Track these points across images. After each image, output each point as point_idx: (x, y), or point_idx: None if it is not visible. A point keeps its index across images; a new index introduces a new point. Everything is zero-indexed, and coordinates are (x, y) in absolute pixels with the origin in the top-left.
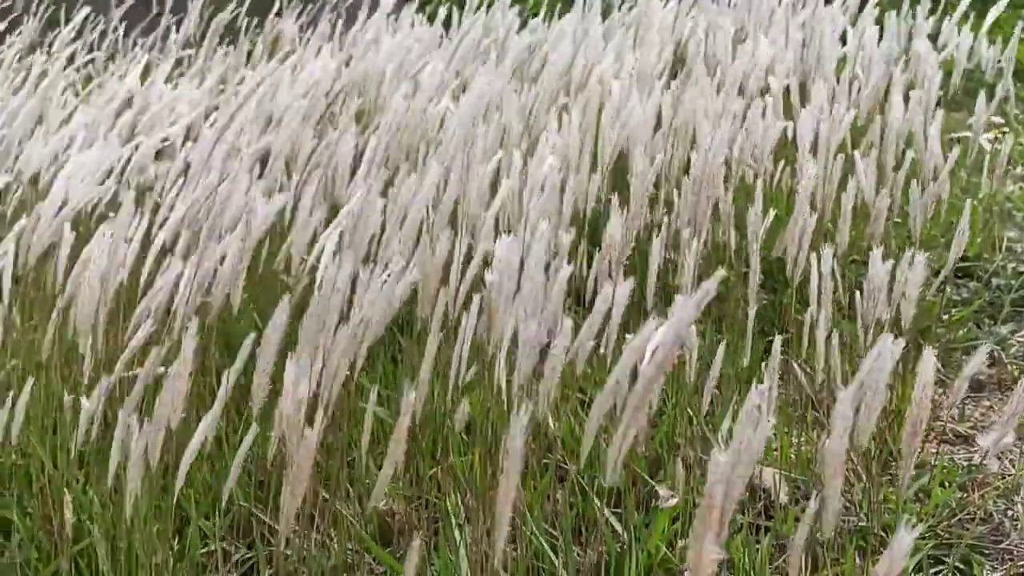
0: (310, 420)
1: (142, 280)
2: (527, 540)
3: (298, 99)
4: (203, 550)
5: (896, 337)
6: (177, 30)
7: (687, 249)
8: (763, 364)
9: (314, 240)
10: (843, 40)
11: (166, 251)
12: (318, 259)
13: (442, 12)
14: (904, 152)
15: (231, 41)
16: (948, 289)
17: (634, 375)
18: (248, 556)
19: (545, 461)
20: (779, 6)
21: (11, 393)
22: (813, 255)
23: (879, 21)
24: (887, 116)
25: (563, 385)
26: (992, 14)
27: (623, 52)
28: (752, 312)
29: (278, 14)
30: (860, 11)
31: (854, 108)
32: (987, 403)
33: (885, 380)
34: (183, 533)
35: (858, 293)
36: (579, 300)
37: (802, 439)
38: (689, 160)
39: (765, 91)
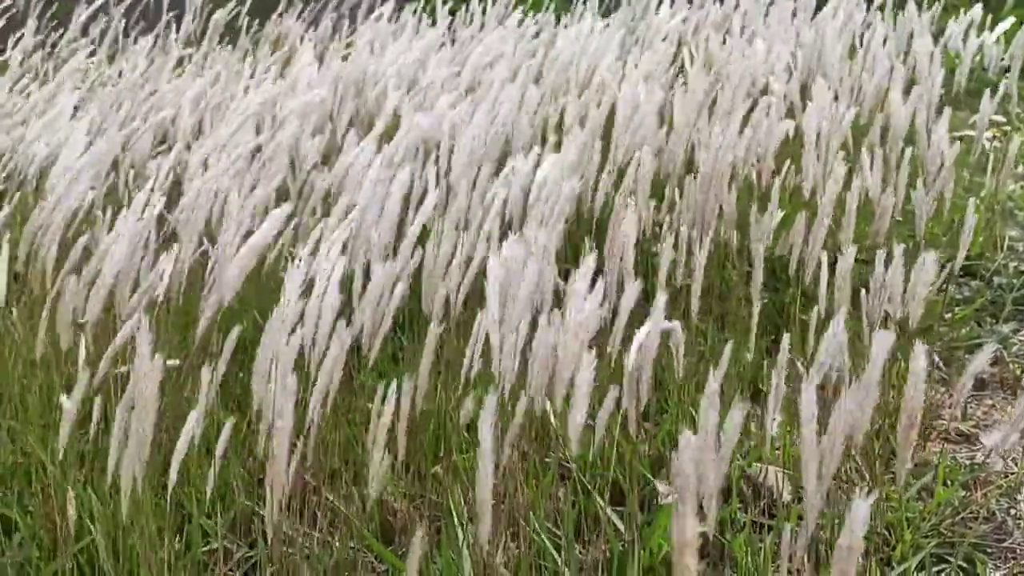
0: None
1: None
2: (529, 538)
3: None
4: (204, 548)
5: (899, 336)
6: (177, 29)
7: (698, 248)
8: (765, 363)
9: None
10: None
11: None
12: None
13: (443, 12)
14: (904, 151)
15: (231, 40)
16: (950, 288)
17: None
18: (249, 555)
19: (547, 460)
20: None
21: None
22: (818, 254)
23: (884, 20)
24: (889, 114)
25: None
26: (1002, 26)
27: (627, 52)
28: (756, 309)
29: (280, 14)
30: (867, 10)
31: (855, 107)
32: (989, 402)
33: (878, 375)
34: (184, 531)
35: (863, 291)
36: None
37: None
38: (692, 160)
39: (766, 91)
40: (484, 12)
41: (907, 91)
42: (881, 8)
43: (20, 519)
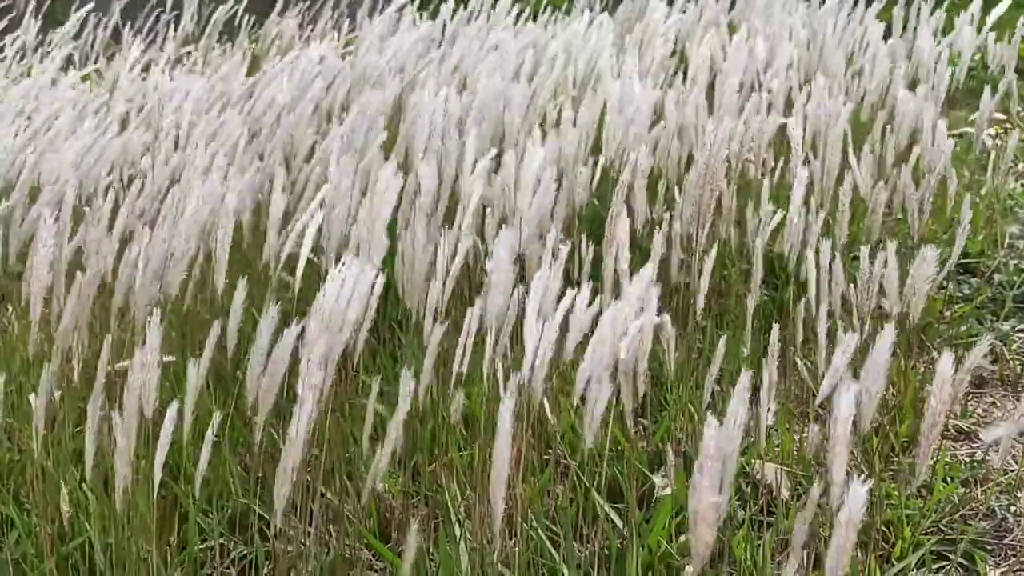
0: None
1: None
2: (527, 535)
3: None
4: (201, 546)
5: (899, 332)
6: (176, 28)
7: (697, 245)
8: (764, 360)
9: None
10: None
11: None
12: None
13: (445, 11)
14: (909, 147)
15: (230, 38)
16: (950, 285)
17: None
18: (246, 552)
19: (545, 457)
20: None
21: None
22: (813, 251)
23: (885, 18)
24: (889, 111)
25: (563, 380)
26: (996, 11)
27: (624, 49)
28: (751, 304)
29: (280, 13)
30: (867, 8)
31: (854, 103)
32: (989, 399)
33: (883, 371)
34: (181, 529)
35: (852, 287)
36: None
37: (803, 434)
38: (691, 156)
39: (765, 87)
40: (486, 11)
41: (911, 89)
42: (885, 6)
43: (16, 516)
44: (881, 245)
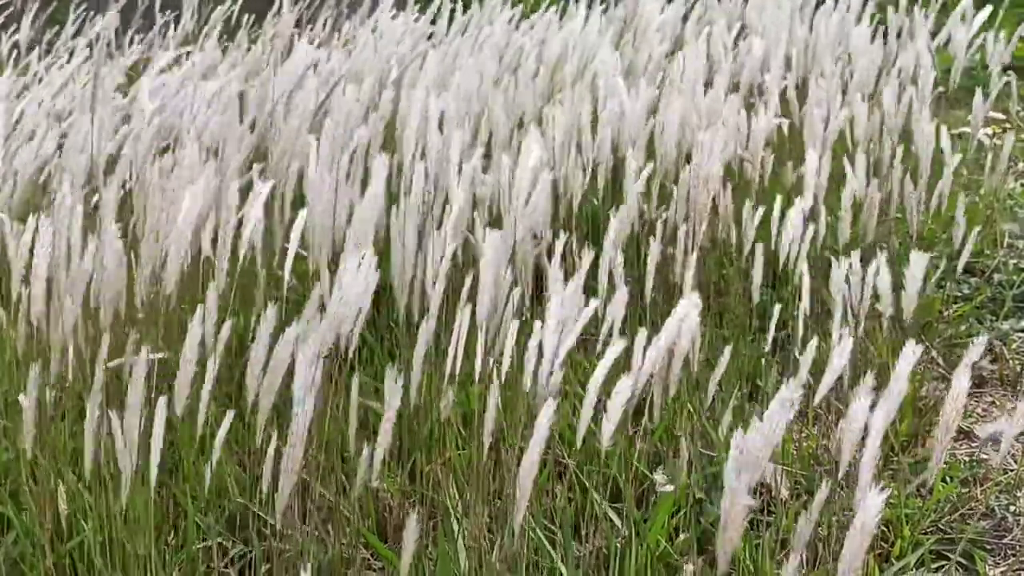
0: None
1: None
2: (526, 535)
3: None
4: (199, 545)
5: (894, 331)
6: (175, 27)
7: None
8: (763, 360)
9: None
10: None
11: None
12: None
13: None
14: (903, 148)
15: (230, 38)
16: (949, 285)
17: None
18: (244, 552)
19: (544, 456)
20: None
21: None
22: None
23: (879, 18)
24: (882, 112)
25: (562, 381)
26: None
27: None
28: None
29: (278, 12)
30: (863, 9)
31: (848, 106)
32: (989, 399)
33: (905, 380)
34: (179, 528)
35: (846, 287)
36: None
37: (803, 435)
38: (689, 157)
39: (761, 89)
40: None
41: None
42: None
43: (14, 516)
44: (880, 246)
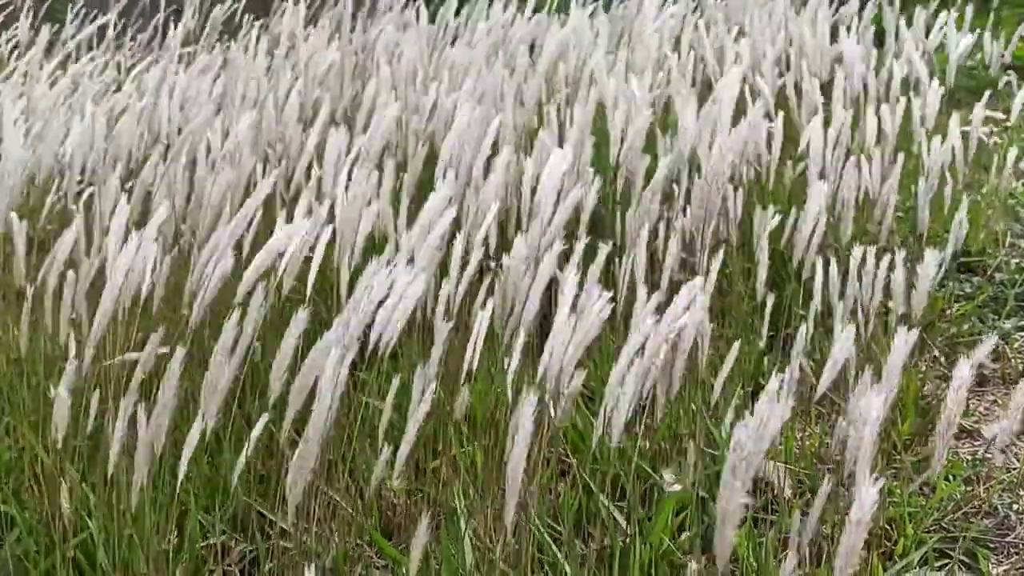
0: None
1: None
2: (530, 533)
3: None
4: (203, 543)
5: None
6: (175, 26)
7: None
8: (765, 359)
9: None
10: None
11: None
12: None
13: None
14: (906, 148)
15: (231, 38)
16: (951, 283)
17: None
18: (249, 550)
19: (547, 455)
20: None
21: None
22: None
23: (877, 20)
24: (883, 113)
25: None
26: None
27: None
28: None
29: (280, 12)
30: (861, 10)
31: (850, 106)
32: (991, 397)
33: (899, 372)
34: (183, 527)
35: (857, 285)
36: None
37: (806, 433)
38: (694, 159)
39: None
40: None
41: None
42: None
43: (17, 513)
44: (886, 245)
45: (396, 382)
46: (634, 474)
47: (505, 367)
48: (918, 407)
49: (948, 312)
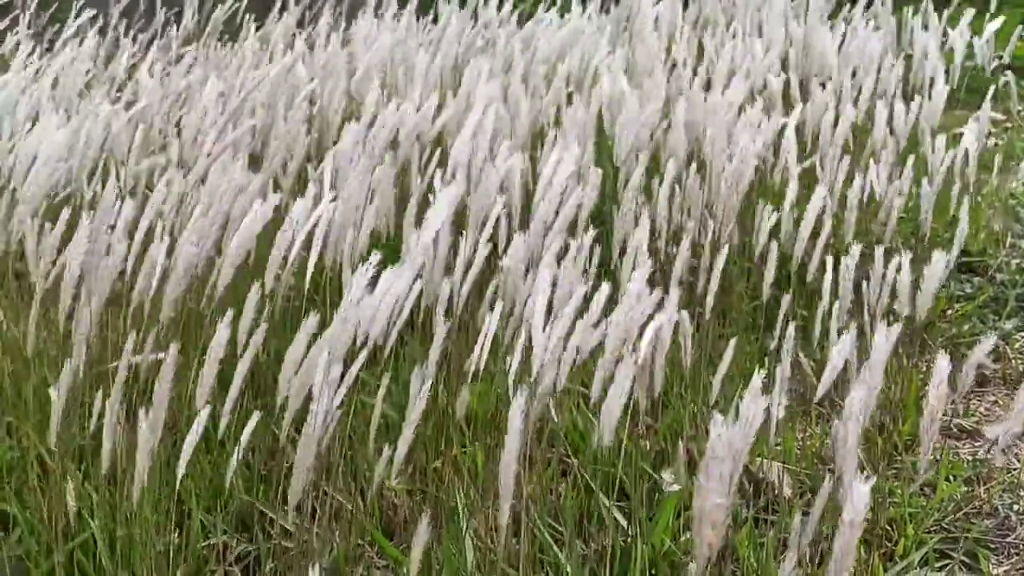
0: None
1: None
2: (530, 533)
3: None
4: (204, 543)
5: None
6: (176, 27)
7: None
8: (766, 359)
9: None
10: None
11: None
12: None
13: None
14: (906, 151)
15: (231, 38)
16: (952, 284)
17: None
18: (250, 549)
19: (548, 455)
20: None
21: None
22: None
23: (882, 20)
24: (889, 112)
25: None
26: (992, 26)
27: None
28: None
29: (280, 12)
30: (867, 9)
31: (854, 106)
32: (992, 398)
33: (882, 368)
34: (184, 526)
35: (864, 284)
36: None
37: (806, 433)
38: (700, 157)
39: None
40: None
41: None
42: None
43: (19, 513)
44: (892, 245)
45: (386, 380)
46: (635, 474)
47: (506, 367)
48: (918, 408)
49: (949, 313)
